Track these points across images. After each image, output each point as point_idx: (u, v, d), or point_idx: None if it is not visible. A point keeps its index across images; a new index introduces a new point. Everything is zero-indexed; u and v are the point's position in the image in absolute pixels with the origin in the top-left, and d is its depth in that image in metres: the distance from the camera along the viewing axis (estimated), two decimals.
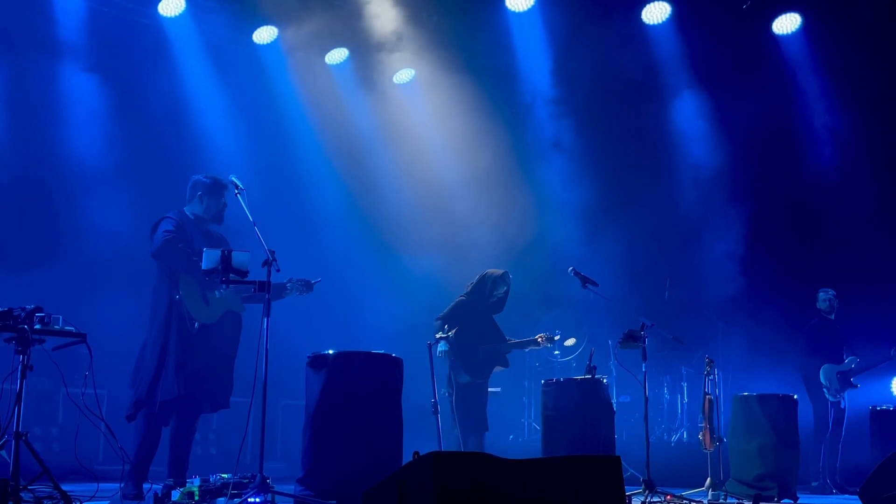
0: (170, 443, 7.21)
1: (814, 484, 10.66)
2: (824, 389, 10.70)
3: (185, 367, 7.02)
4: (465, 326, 8.68)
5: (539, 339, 8.92)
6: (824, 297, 11.08)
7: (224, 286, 6.92)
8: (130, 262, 9.25)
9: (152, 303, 7.25)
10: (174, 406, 7.05)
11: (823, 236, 12.99)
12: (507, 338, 9.04)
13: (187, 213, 7.38)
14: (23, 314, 5.87)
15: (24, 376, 5.81)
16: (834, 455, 10.73)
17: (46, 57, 10.49)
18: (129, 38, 10.83)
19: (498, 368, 8.96)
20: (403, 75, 12.74)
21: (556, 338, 9.03)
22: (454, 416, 8.77)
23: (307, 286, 7.47)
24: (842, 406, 10.77)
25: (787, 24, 12.33)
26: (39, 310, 5.96)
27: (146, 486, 6.96)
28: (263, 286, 6.58)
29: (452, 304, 8.93)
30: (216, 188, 7.42)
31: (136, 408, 7.04)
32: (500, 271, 9.03)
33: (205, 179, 7.44)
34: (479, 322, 8.86)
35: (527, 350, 9.53)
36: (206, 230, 7.40)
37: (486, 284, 8.95)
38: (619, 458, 4.63)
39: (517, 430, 12.44)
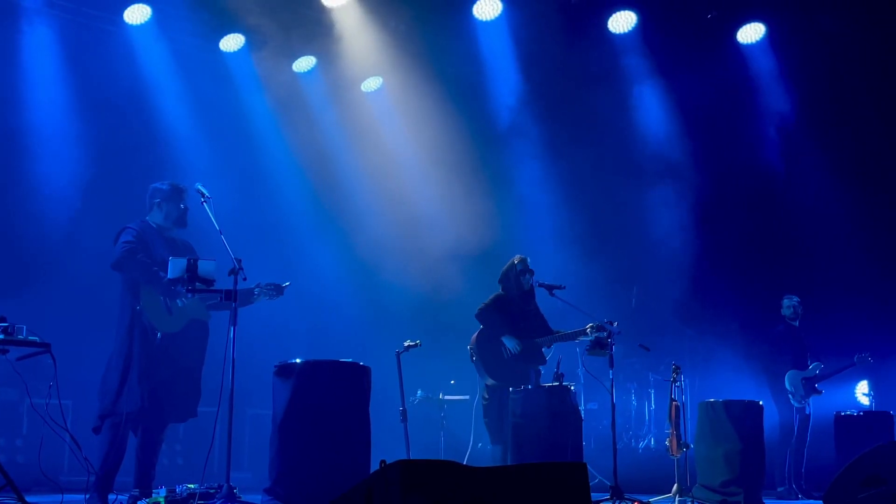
0: (136, 454, 7.14)
1: (779, 489, 10.74)
2: (789, 395, 10.79)
3: (148, 379, 6.95)
4: (495, 324, 8.71)
5: (588, 330, 8.50)
6: (788, 303, 11.16)
7: (188, 295, 6.88)
8: (96, 272, 9.17)
9: (117, 314, 7.19)
10: (139, 417, 6.99)
11: (787, 244, 13.13)
12: (555, 330, 8.89)
13: (149, 223, 7.32)
14: None
15: None
16: (799, 460, 10.82)
17: (10, 67, 10.39)
18: (94, 47, 10.75)
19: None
20: (371, 83, 12.74)
21: (615, 323, 8.33)
22: (485, 421, 8.78)
23: (277, 290, 7.41)
24: (807, 412, 10.87)
25: (751, 33, 12.46)
26: (3, 319, 5.91)
27: (111, 497, 6.91)
28: (230, 295, 6.57)
29: (490, 299, 8.88)
30: (174, 193, 7.35)
31: (101, 420, 6.98)
32: (514, 260, 8.96)
33: (161, 186, 7.38)
34: (520, 316, 8.81)
35: (577, 341, 9.01)
36: (169, 238, 7.33)
37: (509, 277, 8.92)
38: (585, 464, 4.65)
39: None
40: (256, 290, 7.33)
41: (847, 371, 11.07)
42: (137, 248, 7.01)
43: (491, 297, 8.94)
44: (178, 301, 7.08)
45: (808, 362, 10.92)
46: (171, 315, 7.09)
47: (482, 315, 8.82)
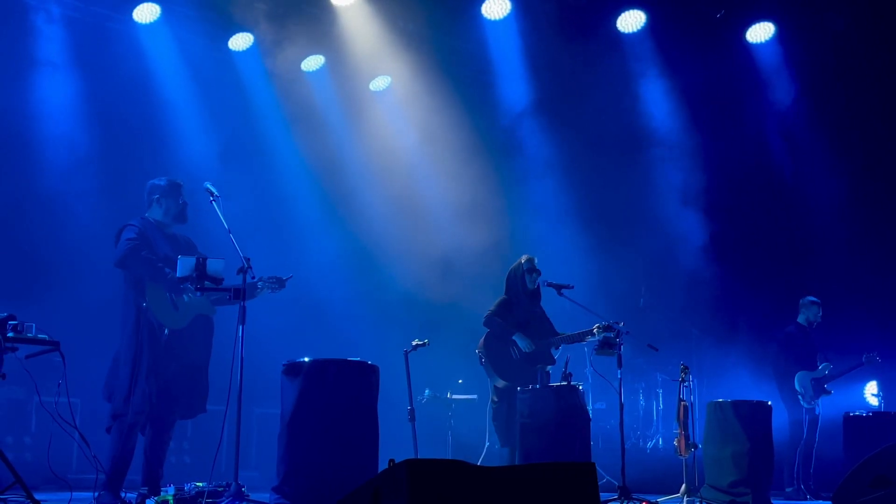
0: (144, 451, 7.14)
1: (788, 490, 10.72)
2: (799, 396, 10.76)
3: (158, 376, 6.96)
4: (503, 328, 8.74)
5: (595, 330, 8.45)
6: (817, 311, 11.10)
7: (193, 289, 6.87)
8: (105, 270, 9.19)
9: (121, 312, 7.16)
10: (149, 415, 6.99)
11: (795, 243, 13.10)
12: (559, 332, 8.93)
13: (149, 219, 7.30)
14: None
15: None
16: (808, 461, 10.79)
17: (20, 64, 10.41)
18: (103, 46, 10.76)
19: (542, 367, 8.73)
20: (380, 82, 12.74)
21: (622, 323, 8.31)
22: (494, 424, 8.80)
23: (279, 283, 7.39)
24: (816, 412, 10.84)
25: (760, 32, 12.43)
26: (12, 318, 5.92)
27: (121, 495, 6.91)
28: (238, 293, 6.57)
29: (495, 304, 8.90)
30: (172, 189, 7.35)
31: (114, 420, 6.95)
32: (521, 259, 8.99)
33: (159, 182, 7.37)
34: (526, 319, 8.84)
35: (585, 342, 8.99)
36: (170, 234, 7.33)
37: (516, 279, 8.94)
38: (593, 464, 4.64)
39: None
40: (260, 284, 7.31)
41: (856, 371, 11.05)
42: (140, 245, 7.00)
43: (496, 302, 8.94)
44: (184, 296, 7.07)
45: (818, 363, 10.89)
46: (177, 311, 7.09)
47: (489, 322, 8.82)
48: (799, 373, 10.80)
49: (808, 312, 11.11)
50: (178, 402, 7.15)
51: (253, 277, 6.77)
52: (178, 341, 7.09)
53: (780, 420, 10.47)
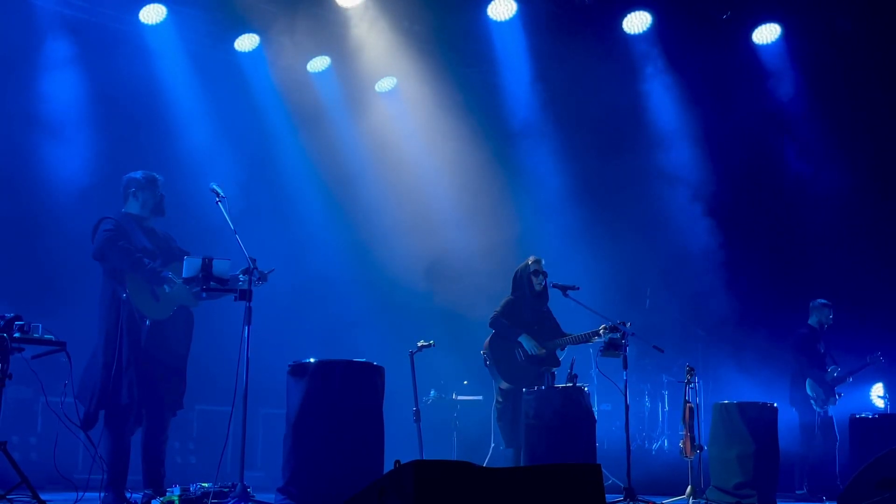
0: (142, 451, 7.02)
1: (799, 492, 10.70)
2: (812, 401, 10.74)
3: (141, 368, 6.82)
4: (509, 329, 8.75)
5: (601, 331, 8.42)
6: (829, 313, 11.08)
7: (176, 280, 6.83)
8: None
9: (99, 307, 7.05)
10: (137, 413, 6.87)
11: (800, 244, 13.08)
12: (566, 333, 8.91)
13: (126, 213, 7.23)
14: (2, 322, 5.84)
15: (2, 385, 5.77)
16: (831, 461, 10.74)
17: (26, 66, 10.42)
18: (109, 46, 10.77)
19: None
20: (385, 83, 12.75)
21: (628, 324, 8.34)
22: (499, 425, 8.80)
23: (261, 277, 7.36)
24: (829, 414, 10.83)
25: (766, 34, 12.41)
26: (19, 318, 5.93)
27: (125, 495, 6.90)
28: (244, 294, 6.58)
29: (501, 305, 8.90)
30: (148, 182, 7.29)
31: (92, 416, 6.77)
32: (528, 260, 8.96)
33: (135, 175, 7.31)
34: (533, 320, 8.84)
35: (592, 343, 8.96)
36: (148, 227, 7.25)
37: (522, 280, 8.93)
38: (599, 465, 4.64)
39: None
40: (242, 277, 7.25)
41: (862, 373, 11.04)
42: (118, 236, 6.95)
43: (502, 303, 8.93)
44: (164, 287, 6.97)
45: (828, 366, 10.87)
46: (158, 301, 6.97)
47: (495, 323, 8.81)
48: (809, 379, 10.78)
49: (819, 315, 11.09)
50: (163, 395, 7.01)
51: (259, 279, 6.77)
52: (160, 333, 6.98)
53: (786, 421, 10.45)
